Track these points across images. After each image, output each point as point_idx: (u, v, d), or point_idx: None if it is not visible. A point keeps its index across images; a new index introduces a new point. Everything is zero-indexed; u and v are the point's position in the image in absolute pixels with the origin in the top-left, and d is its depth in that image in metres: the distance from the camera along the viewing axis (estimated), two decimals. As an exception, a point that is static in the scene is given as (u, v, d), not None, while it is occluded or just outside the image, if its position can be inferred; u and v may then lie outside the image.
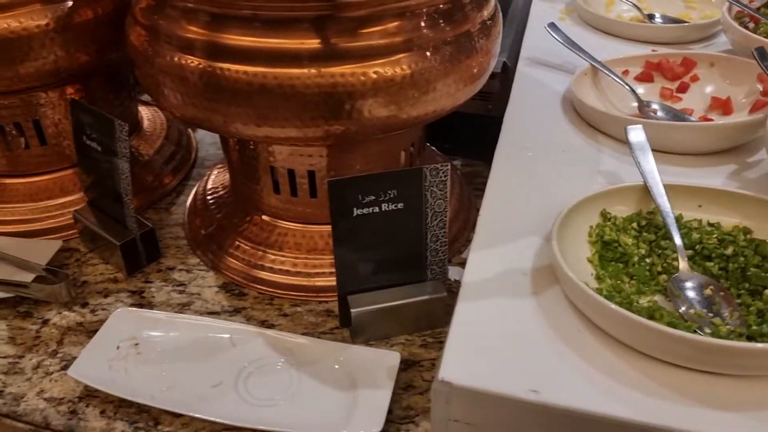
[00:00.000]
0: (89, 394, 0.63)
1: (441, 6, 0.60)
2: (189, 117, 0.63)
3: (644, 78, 0.85)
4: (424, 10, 0.59)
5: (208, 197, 0.83)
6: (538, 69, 0.87)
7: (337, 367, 0.63)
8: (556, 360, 0.48)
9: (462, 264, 0.74)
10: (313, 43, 0.56)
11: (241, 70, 0.56)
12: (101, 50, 0.74)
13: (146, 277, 0.76)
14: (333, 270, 0.73)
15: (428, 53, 0.59)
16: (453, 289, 0.72)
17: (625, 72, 0.85)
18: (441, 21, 0.60)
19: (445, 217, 0.64)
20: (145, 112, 0.98)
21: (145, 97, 1.13)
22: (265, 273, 0.74)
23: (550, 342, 0.49)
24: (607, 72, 0.82)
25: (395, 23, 0.57)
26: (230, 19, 0.57)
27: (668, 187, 0.61)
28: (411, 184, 0.62)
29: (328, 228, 0.75)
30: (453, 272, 0.59)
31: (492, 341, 0.49)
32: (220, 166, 0.89)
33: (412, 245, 0.65)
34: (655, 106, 0.80)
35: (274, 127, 0.59)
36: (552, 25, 0.87)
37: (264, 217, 0.77)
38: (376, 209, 0.62)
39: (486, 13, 0.65)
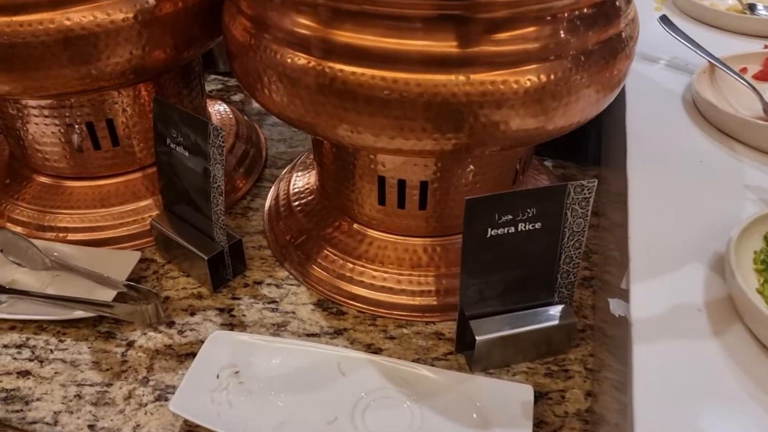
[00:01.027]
0: (191, 430, 0.57)
1: (594, 9, 0.53)
2: (304, 123, 0.56)
3: (764, 77, 0.78)
4: (579, 13, 0.52)
5: (294, 203, 0.76)
6: (649, 66, 0.80)
7: (464, 401, 0.57)
8: (763, 419, 0.42)
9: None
10: (461, 47, 0.49)
11: (378, 76, 0.50)
12: (188, 44, 0.67)
13: (233, 292, 0.70)
14: (439, 288, 0.67)
15: (580, 58, 0.53)
16: (578, 313, 0.66)
17: (743, 70, 0.79)
18: (593, 24, 0.53)
19: (583, 237, 0.58)
20: (210, 105, 0.91)
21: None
22: (364, 290, 0.68)
23: (748, 394, 0.43)
24: (729, 72, 0.75)
25: (548, 26, 0.51)
26: (363, 16, 0.50)
27: (839, 208, 0.55)
28: (553, 202, 0.55)
29: (431, 241, 0.69)
30: (614, 305, 0.53)
31: (683, 393, 0.43)
32: (300, 167, 0.82)
33: (543, 266, 0.59)
34: (781, 110, 0.73)
35: (409, 139, 0.52)
36: (664, 19, 0.81)
37: (357, 226, 0.71)
38: (512, 229, 0.56)
39: (631, 13, 0.59)
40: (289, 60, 0.53)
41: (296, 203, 0.76)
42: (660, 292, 0.51)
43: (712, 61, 0.76)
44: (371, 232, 0.70)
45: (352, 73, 0.50)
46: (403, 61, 0.49)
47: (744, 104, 0.75)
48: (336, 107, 0.52)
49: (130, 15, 0.61)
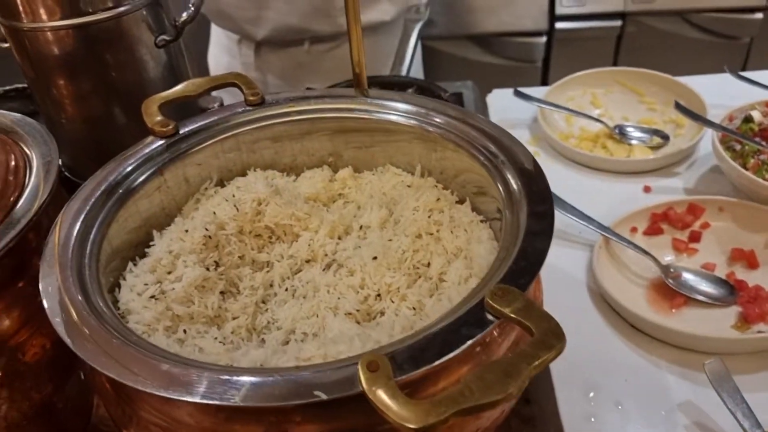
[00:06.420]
0: None
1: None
2: None
3: (653, 232, 0.80)
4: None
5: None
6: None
7: None
8: None
9: None
10: None
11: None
12: (62, 380, 0.59)
13: None
14: None
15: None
16: None
17: (633, 230, 0.79)
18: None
19: None
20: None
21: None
22: None
23: None
24: (624, 243, 0.75)
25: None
26: None
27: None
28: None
29: None
30: None
31: None
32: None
33: None
34: (679, 272, 0.74)
35: None
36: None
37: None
38: None
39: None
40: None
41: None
42: None
43: (604, 234, 0.76)
44: None
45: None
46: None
47: (643, 268, 0.76)
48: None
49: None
